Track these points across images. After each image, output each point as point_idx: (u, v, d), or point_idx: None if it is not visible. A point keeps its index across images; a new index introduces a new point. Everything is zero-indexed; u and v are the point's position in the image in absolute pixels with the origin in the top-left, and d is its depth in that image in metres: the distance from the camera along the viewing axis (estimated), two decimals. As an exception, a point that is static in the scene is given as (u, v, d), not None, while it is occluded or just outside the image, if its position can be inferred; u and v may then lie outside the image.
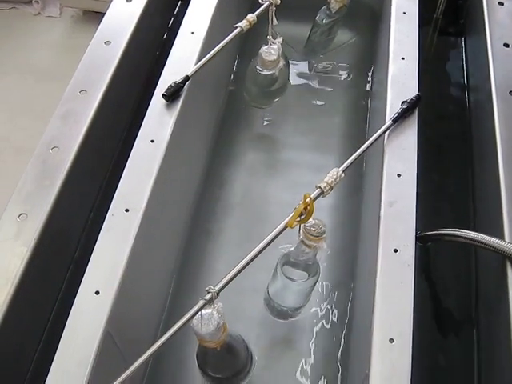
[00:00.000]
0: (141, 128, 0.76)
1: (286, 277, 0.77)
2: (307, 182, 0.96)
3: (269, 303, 0.86)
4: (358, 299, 0.78)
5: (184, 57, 0.84)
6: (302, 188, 0.64)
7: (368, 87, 1.10)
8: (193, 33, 0.87)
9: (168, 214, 0.80)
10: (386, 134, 0.74)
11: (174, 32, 0.89)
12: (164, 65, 0.84)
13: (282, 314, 0.85)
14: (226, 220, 0.93)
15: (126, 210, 0.68)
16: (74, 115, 0.79)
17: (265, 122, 1.06)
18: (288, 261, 0.77)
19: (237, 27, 0.85)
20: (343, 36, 1.15)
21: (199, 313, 0.57)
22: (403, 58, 0.83)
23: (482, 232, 0.68)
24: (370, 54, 1.14)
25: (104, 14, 0.91)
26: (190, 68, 0.82)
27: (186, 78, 0.80)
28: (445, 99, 0.96)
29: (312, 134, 1.04)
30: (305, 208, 0.66)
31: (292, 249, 0.76)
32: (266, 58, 0.92)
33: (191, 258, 0.90)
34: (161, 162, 0.73)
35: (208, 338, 0.58)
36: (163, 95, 0.78)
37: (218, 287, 0.61)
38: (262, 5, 0.87)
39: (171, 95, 0.78)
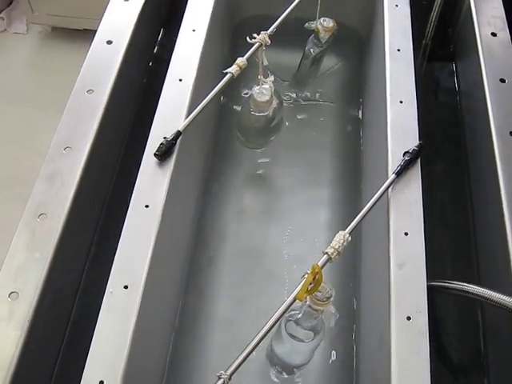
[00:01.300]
0: (134, 192, 0.72)
1: (291, 336, 0.75)
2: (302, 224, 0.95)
3: (272, 359, 0.84)
4: (368, 371, 0.75)
5: (173, 108, 0.80)
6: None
7: (359, 114, 1.07)
8: (181, 80, 0.82)
9: (166, 282, 0.77)
10: (390, 187, 0.72)
11: (157, 75, 0.85)
12: (150, 112, 0.80)
13: (285, 369, 0.83)
14: (220, 276, 0.90)
15: (125, 287, 0.65)
16: (59, 176, 0.74)
17: (258, 161, 1.03)
18: (293, 320, 0.74)
19: (227, 73, 0.82)
20: (328, 62, 1.12)
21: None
22: (401, 102, 0.80)
23: (487, 284, 0.66)
24: (358, 81, 1.11)
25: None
26: (179, 120, 0.78)
27: (178, 134, 0.76)
28: (438, 133, 0.94)
29: (306, 170, 1.01)
30: (313, 278, 0.64)
31: (297, 311, 0.74)
32: (259, 99, 0.89)
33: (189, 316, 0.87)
34: (157, 229, 0.69)
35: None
36: (155, 155, 0.74)
37: (229, 372, 0.59)
38: (250, 46, 0.85)
39: (163, 154, 0.74)
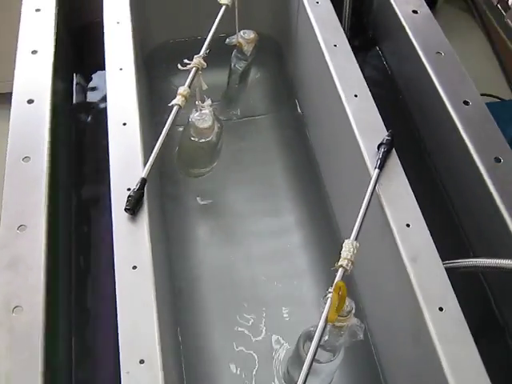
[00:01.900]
0: (115, 254, 0.65)
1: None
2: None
3: (285, 376, 0.79)
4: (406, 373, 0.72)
5: (126, 155, 0.73)
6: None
7: (298, 118, 1.05)
8: (125, 124, 0.76)
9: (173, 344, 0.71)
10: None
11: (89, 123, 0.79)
12: (93, 166, 0.74)
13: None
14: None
15: (141, 362, 0.58)
16: (22, 261, 0.66)
17: (209, 188, 0.98)
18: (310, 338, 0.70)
19: (173, 105, 0.76)
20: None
21: None
22: (356, 96, 0.78)
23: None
24: (286, 86, 1.09)
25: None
26: (137, 166, 0.72)
27: (143, 182, 0.69)
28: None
29: (260, 189, 0.98)
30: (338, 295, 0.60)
31: (312, 328, 0.70)
32: (201, 125, 0.85)
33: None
34: (155, 291, 0.62)
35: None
36: (126, 209, 0.67)
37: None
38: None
39: (135, 207, 0.67)
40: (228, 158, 0.97)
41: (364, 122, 0.76)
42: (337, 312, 0.60)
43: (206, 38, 0.84)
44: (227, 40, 0.96)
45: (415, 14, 0.91)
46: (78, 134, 0.92)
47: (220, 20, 0.86)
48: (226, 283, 0.88)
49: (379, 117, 0.76)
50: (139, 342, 0.59)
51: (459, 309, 0.61)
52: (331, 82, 0.81)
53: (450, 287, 0.63)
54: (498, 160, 0.74)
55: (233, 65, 1.00)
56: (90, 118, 0.92)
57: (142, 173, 0.70)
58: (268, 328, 0.83)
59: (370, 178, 0.69)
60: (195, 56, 0.81)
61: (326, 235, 0.91)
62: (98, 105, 0.97)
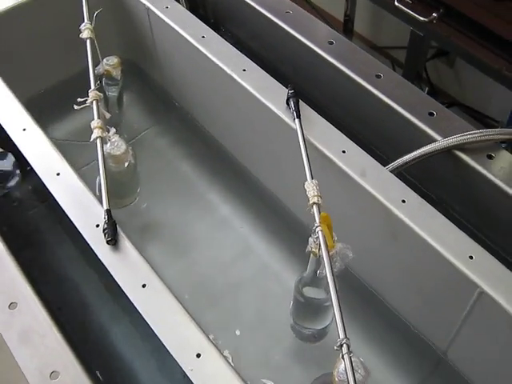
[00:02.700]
0: (118, 281, 0.67)
1: (308, 297, 0.79)
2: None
3: (295, 329, 0.86)
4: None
5: (74, 199, 0.74)
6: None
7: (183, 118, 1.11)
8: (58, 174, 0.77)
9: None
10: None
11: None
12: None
13: (318, 335, 0.86)
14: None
15: (198, 355, 0.61)
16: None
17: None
18: (306, 282, 0.78)
19: (96, 139, 0.79)
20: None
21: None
22: (245, 70, 0.87)
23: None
24: (158, 98, 1.15)
25: None
26: (90, 206, 0.73)
27: (109, 212, 0.71)
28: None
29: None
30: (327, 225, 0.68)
31: (305, 274, 0.78)
32: (118, 152, 0.88)
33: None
34: (174, 297, 0.66)
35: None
36: (109, 242, 0.69)
37: (342, 334, 0.61)
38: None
39: (115, 236, 0.69)
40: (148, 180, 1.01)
41: (265, 89, 0.84)
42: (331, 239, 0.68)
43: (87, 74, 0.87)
44: (96, 71, 0.99)
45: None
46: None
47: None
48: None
49: (274, 80, 0.85)
50: (186, 341, 0.62)
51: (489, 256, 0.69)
52: (216, 68, 0.88)
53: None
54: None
55: (107, 93, 1.03)
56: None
57: (104, 205, 0.72)
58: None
59: (295, 130, 0.78)
60: (89, 91, 0.84)
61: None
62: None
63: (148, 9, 0.98)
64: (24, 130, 0.81)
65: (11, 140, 0.80)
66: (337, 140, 0.79)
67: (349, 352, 0.60)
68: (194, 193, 1.02)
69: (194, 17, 0.95)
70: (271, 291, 0.90)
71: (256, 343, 0.85)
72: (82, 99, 0.84)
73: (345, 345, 0.60)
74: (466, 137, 0.77)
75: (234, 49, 0.90)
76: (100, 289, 0.83)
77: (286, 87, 0.83)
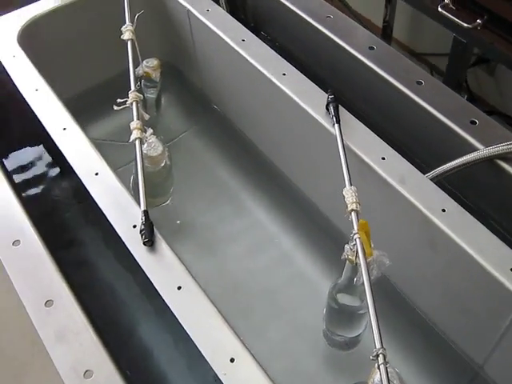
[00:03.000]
0: (154, 283, 0.67)
1: (342, 304, 0.78)
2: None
3: (327, 335, 0.85)
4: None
5: (113, 200, 0.75)
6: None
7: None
8: (97, 174, 0.77)
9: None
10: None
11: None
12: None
13: (350, 344, 0.85)
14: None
15: (232, 360, 0.61)
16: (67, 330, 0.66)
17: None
18: (340, 289, 0.77)
19: (135, 140, 0.80)
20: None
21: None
22: (284, 74, 0.86)
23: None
24: (196, 101, 1.15)
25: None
26: (128, 206, 0.74)
27: (146, 213, 0.72)
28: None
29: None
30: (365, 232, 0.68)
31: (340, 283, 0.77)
32: (154, 153, 0.88)
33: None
34: (209, 300, 0.65)
35: None
36: (145, 243, 0.69)
37: (378, 344, 0.60)
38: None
39: (151, 237, 0.70)
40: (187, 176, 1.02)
41: (304, 93, 0.84)
42: (369, 247, 0.67)
43: (128, 74, 0.88)
44: (136, 72, 1.00)
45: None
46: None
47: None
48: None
49: (313, 84, 0.85)
50: (220, 345, 0.62)
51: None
52: (255, 72, 0.88)
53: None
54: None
55: (146, 95, 1.04)
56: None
57: (141, 206, 0.72)
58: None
59: (335, 135, 0.77)
60: (129, 92, 0.84)
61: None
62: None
63: (188, 11, 0.98)
64: (64, 129, 0.82)
65: (51, 138, 0.82)
66: (376, 146, 0.78)
67: (385, 362, 0.59)
68: (228, 196, 1.02)
69: (235, 20, 0.95)
70: (305, 298, 0.90)
71: (288, 349, 0.85)
72: (122, 100, 0.85)
73: (381, 355, 0.59)
74: (509, 146, 0.76)
75: (274, 52, 0.90)
76: (135, 289, 0.83)
77: (326, 92, 0.83)
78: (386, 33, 1.31)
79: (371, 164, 0.76)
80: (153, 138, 0.88)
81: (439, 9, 0.85)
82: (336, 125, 0.78)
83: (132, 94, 0.84)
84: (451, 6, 0.83)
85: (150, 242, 0.69)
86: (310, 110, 0.82)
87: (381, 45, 0.91)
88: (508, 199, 0.78)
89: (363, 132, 0.79)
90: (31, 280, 0.68)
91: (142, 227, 0.70)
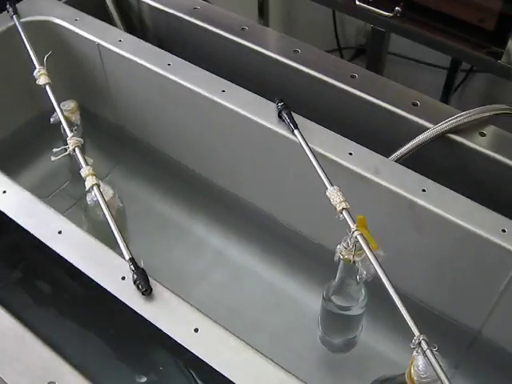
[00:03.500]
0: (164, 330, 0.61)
1: (340, 306, 0.77)
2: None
3: (325, 341, 0.84)
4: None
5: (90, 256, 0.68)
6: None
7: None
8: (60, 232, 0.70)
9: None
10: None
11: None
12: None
13: (348, 346, 0.85)
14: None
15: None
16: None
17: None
18: (335, 291, 0.76)
19: (91, 188, 0.73)
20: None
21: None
22: (224, 91, 0.84)
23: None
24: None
25: None
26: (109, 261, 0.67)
27: (133, 260, 0.65)
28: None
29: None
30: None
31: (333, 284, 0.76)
32: (106, 198, 0.81)
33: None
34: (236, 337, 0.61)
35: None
36: (144, 293, 0.63)
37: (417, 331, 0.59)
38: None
39: (148, 285, 0.64)
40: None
41: (252, 105, 0.82)
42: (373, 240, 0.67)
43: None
44: (52, 119, 0.92)
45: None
46: None
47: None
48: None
49: (257, 96, 0.83)
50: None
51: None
52: (191, 94, 0.85)
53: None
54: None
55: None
56: None
57: (125, 255, 0.66)
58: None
59: (296, 142, 0.76)
60: (68, 138, 0.77)
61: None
62: None
63: (98, 45, 0.92)
64: (4, 192, 0.73)
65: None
66: (339, 144, 0.78)
67: (429, 347, 0.59)
68: (179, 230, 0.97)
69: (152, 46, 0.91)
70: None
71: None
72: (59, 149, 0.78)
73: (423, 341, 0.59)
74: (457, 119, 0.80)
75: (205, 71, 0.87)
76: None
77: (272, 101, 0.82)
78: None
79: (341, 162, 0.76)
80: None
81: (357, 2, 0.88)
82: (295, 130, 0.77)
83: (72, 140, 0.77)
84: (368, -1, 0.86)
85: (148, 291, 0.63)
86: (263, 122, 0.80)
87: (306, 47, 0.92)
88: (465, 171, 0.82)
89: (322, 132, 0.79)
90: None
91: (135, 277, 0.64)
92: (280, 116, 0.80)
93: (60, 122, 0.92)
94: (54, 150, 0.78)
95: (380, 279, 0.63)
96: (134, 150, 1.06)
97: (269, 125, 0.80)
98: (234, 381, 0.57)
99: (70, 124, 0.94)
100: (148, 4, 1.02)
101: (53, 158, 0.78)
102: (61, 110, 0.83)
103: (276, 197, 0.91)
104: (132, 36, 0.93)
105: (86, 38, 0.93)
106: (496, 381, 0.79)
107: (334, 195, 0.70)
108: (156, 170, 1.04)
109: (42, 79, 0.84)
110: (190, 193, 1.00)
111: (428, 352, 0.58)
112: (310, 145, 0.76)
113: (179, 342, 0.60)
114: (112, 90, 0.99)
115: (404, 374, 0.66)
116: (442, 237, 0.73)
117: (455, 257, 0.74)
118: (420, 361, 0.60)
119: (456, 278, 0.77)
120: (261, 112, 0.81)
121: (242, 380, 0.57)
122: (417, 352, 0.60)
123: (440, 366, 0.58)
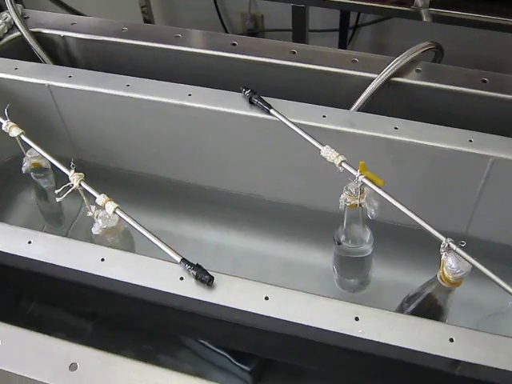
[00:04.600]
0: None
1: (348, 248, 0.87)
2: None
3: (341, 282, 0.94)
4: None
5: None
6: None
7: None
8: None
9: None
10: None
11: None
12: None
13: (364, 283, 0.95)
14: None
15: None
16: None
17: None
18: (346, 235, 0.86)
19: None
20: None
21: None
22: (190, 95, 0.90)
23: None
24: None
25: None
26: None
27: (185, 260, 0.71)
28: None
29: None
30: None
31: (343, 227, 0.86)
32: (114, 223, 0.84)
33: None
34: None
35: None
36: (209, 282, 0.68)
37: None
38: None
39: (209, 274, 0.69)
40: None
41: (223, 101, 0.89)
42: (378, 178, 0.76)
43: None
44: (23, 168, 0.93)
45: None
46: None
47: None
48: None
49: (223, 90, 0.90)
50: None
51: None
52: (160, 106, 0.90)
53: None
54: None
55: (42, 186, 0.97)
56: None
57: (176, 258, 0.71)
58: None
59: (277, 120, 0.84)
60: (70, 175, 0.79)
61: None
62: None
63: (49, 85, 0.94)
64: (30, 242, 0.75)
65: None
66: (311, 110, 0.87)
67: (458, 245, 0.70)
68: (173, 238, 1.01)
69: (102, 72, 0.95)
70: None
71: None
72: (61, 189, 0.80)
73: (450, 243, 0.70)
74: (396, 64, 0.92)
75: (165, 82, 0.92)
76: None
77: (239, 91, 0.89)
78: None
79: (320, 125, 0.85)
80: (100, 211, 0.84)
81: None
82: (271, 110, 0.85)
83: (75, 176, 0.79)
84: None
85: (212, 279, 0.69)
86: (238, 111, 0.87)
87: (242, 40, 1.00)
88: (414, 104, 0.94)
89: (292, 105, 0.87)
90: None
91: (195, 272, 0.69)
92: (251, 102, 0.87)
93: (31, 169, 0.95)
94: (56, 191, 0.80)
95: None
96: (104, 178, 1.08)
97: (244, 112, 0.87)
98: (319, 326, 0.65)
99: (41, 169, 0.96)
100: (74, 38, 1.05)
101: (58, 199, 0.80)
102: (48, 154, 0.84)
103: (268, 180, 0.99)
104: (79, 69, 0.96)
105: (35, 83, 0.94)
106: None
107: (329, 153, 0.79)
108: (133, 189, 1.07)
109: (13, 131, 0.85)
110: (177, 202, 1.06)
111: (458, 249, 0.69)
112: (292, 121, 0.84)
113: (255, 312, 0.67)
114: (69, 126, 1.01)
115: (428, 285, 0.77)
116: (420, 162, 0.85)
117: (434, 175, 0.86)
118: (450, 260, 0.71)
119: (438, 194, 0.89)
120: (232, 104, 0.88)
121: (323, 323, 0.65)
122: (445, 255, 0.71)
123: (471, 257, 0.69)
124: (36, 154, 0.94)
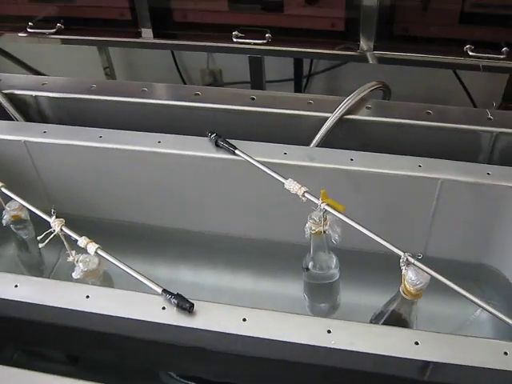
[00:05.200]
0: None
1: (316, 274, 0.93)
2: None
3: (313, 308, 0.99)
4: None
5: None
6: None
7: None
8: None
9: None
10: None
11: None
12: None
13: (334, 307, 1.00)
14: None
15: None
16: None
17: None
18: (313, 262, 0.92)
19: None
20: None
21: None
22: (159, 141, 0.97)
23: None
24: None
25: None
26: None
27: (165, 290, 0.75)
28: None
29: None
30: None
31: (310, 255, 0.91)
32: (94, 266, 0.88)
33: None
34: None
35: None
36: (190, 308, 0.73)
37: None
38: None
39: (189, 302, 0.74)
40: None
41: (192, 145, 0.96)
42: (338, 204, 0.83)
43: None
44: (3, 221, 0.97)
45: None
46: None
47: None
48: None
49: (191, 136, 0.97)
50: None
51: None
52: (131, 155, 0.96)
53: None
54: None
55: (23, 237, 1.01)
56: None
57: (157, 290, 0.75)
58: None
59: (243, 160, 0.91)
60: (51, 221, 0.84)
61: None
62: None
63: (25, 141, 0.99)
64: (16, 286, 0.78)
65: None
66: (273, 149, 0.94)
67: (415, 258, 0.76)
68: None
69: (78, 127, 1.01)
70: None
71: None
72: (43, 235, 0.84)
73: (408, 256, 0.76)
74: (347, 102, 1.01)
75: (136, 132, 0.99)
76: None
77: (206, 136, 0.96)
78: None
79: (282, 161, 0.92)
80: (80, 255, 0.88)
81: (234, 39, 1.06)
82: (236, 150, 0.92)
83: (56, 221, 0.83)
84: (240, 34, 1.05)
85: (192, 306, 0.74)
86: (206, 154, 0.94)
87: (205, 90, 1.07)
88: (367, 138, 1.03)
89: (254, 146, 0.94)
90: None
91: (176, 300, 0.74)
92: (217, 145, 0.94)
93: (11, 222, 0.99)
94: (39, 237, 0.84)
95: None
96: (80, 228, 1.12)
97: (211, 154, 0.94)
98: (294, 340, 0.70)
99: (21, 221, 1.00)
100: (46, 97, 1.11)
101: (41, 245, 0.84)
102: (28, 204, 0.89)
103: (239, 218, 1.05)
104: (53, 125, 1.02)
105: (10, 140, 1.00)
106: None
107: (292, 185, 0.86)
108: (110, 236, 1.10)
109: (-7, 188, 0.90)
110: (153, 246, 1.10)
111: (416, 262, 0.76)
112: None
113: (234, 333, 0.71)
114: (44, 178, 1.06)
115: (391, 302, 0.83)
116: (376, 189, 0.92)
117: (391, 201, 0.94)
118: (410, 273, 0.77)
119: (396, 217, 0.96)
120: (200, 147, 0.95)
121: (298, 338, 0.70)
122: (405, 269, 0.77)
123: (429, 268, 0.76)
124: (15, 207, 0.98)
